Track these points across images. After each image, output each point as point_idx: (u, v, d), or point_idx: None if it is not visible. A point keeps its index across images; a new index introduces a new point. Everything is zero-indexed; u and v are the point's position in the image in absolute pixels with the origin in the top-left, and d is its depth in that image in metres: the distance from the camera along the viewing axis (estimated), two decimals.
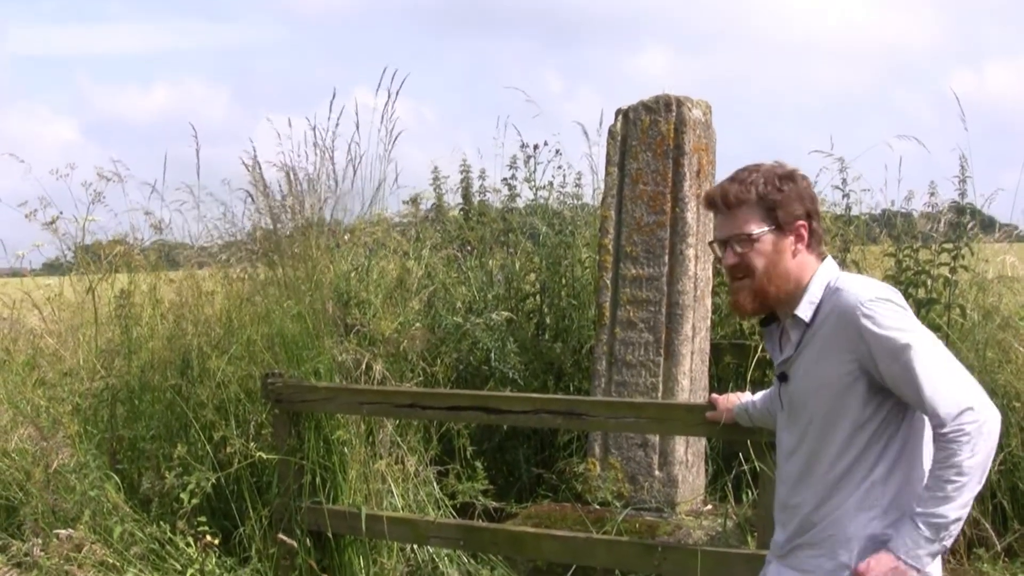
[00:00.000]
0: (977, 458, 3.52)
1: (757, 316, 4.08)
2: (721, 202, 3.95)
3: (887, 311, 3.66)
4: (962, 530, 7.45)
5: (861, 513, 3.77)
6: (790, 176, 3.92)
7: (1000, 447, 7.32)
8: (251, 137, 8.66)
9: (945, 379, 3.60)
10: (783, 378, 3.99)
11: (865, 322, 3.65)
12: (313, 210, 8.73)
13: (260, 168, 8.69)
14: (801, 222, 3.88)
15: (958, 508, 3.54)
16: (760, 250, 3.87)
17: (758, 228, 3.86)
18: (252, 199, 8.77)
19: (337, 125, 8.83)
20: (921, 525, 3.58)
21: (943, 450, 3.56)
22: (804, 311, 3.82)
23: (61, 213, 8.69)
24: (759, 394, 4.95)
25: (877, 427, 3.76)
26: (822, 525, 3.86)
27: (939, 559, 3.72)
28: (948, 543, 3.62)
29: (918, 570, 3.60)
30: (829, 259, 3.97)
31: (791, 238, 3.88)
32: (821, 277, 3.87)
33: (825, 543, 3.85)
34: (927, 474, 3.67)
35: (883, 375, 3.67)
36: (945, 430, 3.55)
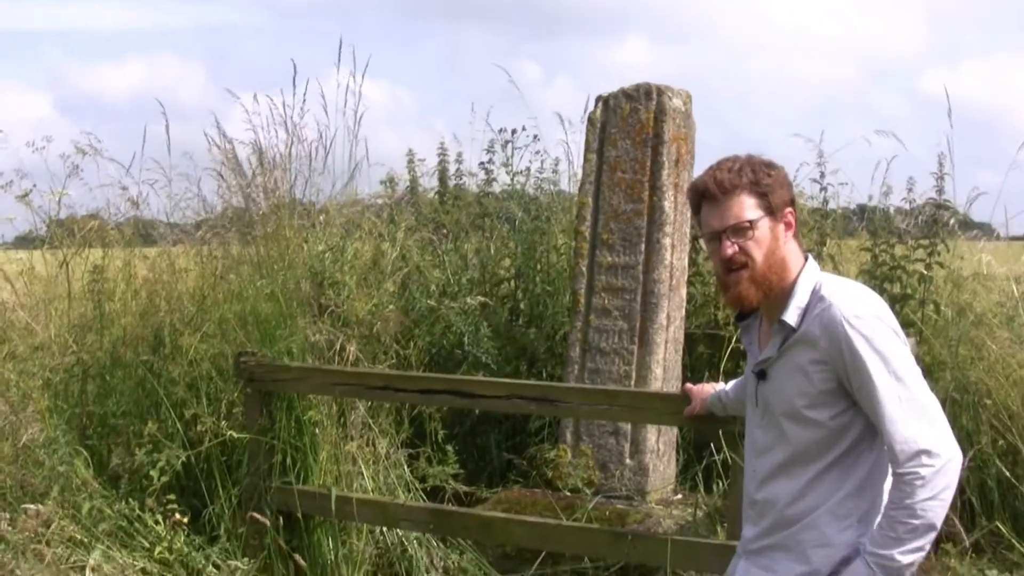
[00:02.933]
0: (931, 502, 3.49)
1: (759, 306, 4.03)
2: (715, 188, 3.86)
3: (870, 331, 3.62)
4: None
5: (836, 520, 3.75)
6: (769, 164, 3.89)
7: (970, 443, 7.37)
8: (215, 113, 8.57)
9: (909, 417, 3.57)
10: (761, 376, 3.95)
11: (848, 338, 3.61)
12: (283, 189, 8.70)
13: (233, 146, 8.65)
14: (789, 208, 3.87)
15: (909, 552, 3.52)
16: (758, 238, 3.80)
17: (755, 214, 3.81)
18: (222, 177, 8.72)
19: (304, 103, 8.80)
20: (873, 566, 3.57)
21: (897, 490, 3.54)
22: (791, 317, 3.76)
23: (35, 186, 8.64)
24: (731, 383, 4.95)
25: (854, 438, 3.74)
26: (794, 528, 3.83)
27: None
28: None
29: None
30: (811, 259, 3.93)
31: (782, 225, 3.84)
32: (807, 279, 3.82)
33: (797, 547, 3.83)
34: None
35: (854, 393, 3.67)
36: (901, 470, 3.54)
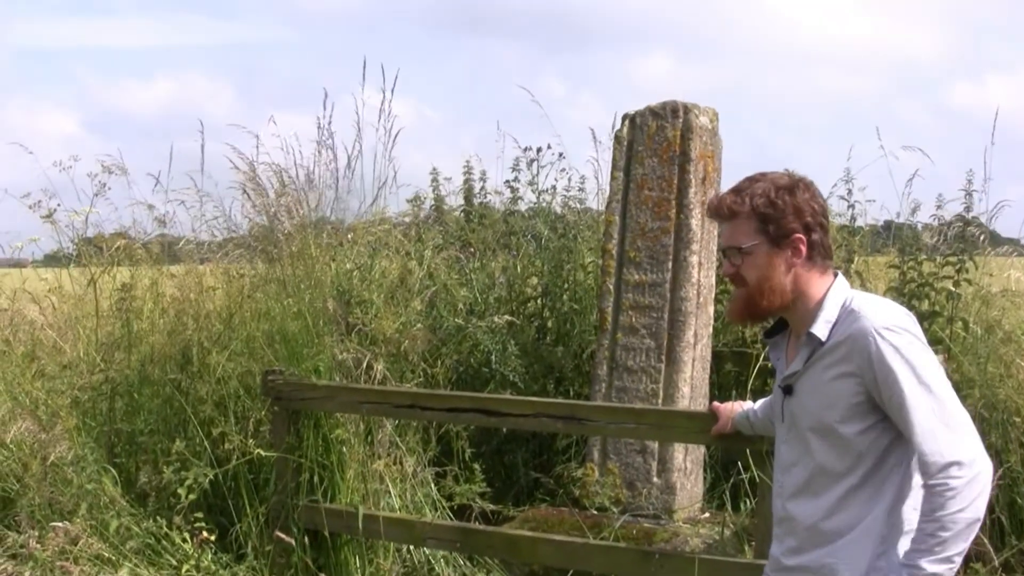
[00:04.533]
0: (963, 514, 3.46)
1: (749, 324, 4.08)
2: (715, 212, 3.94)
3: (900, 342, 3.60)
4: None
5: (868, 543, 3.72)
6: (790, 188, 3.85)
7: (999, 462, 7.33)
8: (241, 131, 8.62)
9: (940, 427, 3.54)
10: (788, 391, 3.94)
11: (876, 350, 3.60)
12: (310, 208, 8.72)
13: (254, 166, 8.67)
14: (798, 235, 3.81)
15: (939, 563, 3.48)
16: (752, 263, 3.83)
17: (749, 241, 3.82)
18: (249, 196, 8.74)
19: (330, 123, 8.84)
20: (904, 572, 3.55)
21: (929, 502, 3.52)
22: (820, 330, 3.75)
23: (60, 204, 8.70)
24: (760, 402, 4.93)
25: (879, 455, 3.72)
26: (825, 549, 3.81)
27: None
28: None
29: None
30: (840, 276, 3.91)
31: (787, 252, 3.82)
32: (836, 295, 3.81)
33: (823, 570, 3.81)
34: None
35: (884, 405, 3.64)
36: (931, 481, 3.51)
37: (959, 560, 3.52)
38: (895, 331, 3.61)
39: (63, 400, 8.15)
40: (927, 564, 3.48)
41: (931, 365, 3.63)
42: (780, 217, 3.81)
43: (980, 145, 8.70)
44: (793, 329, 3.99)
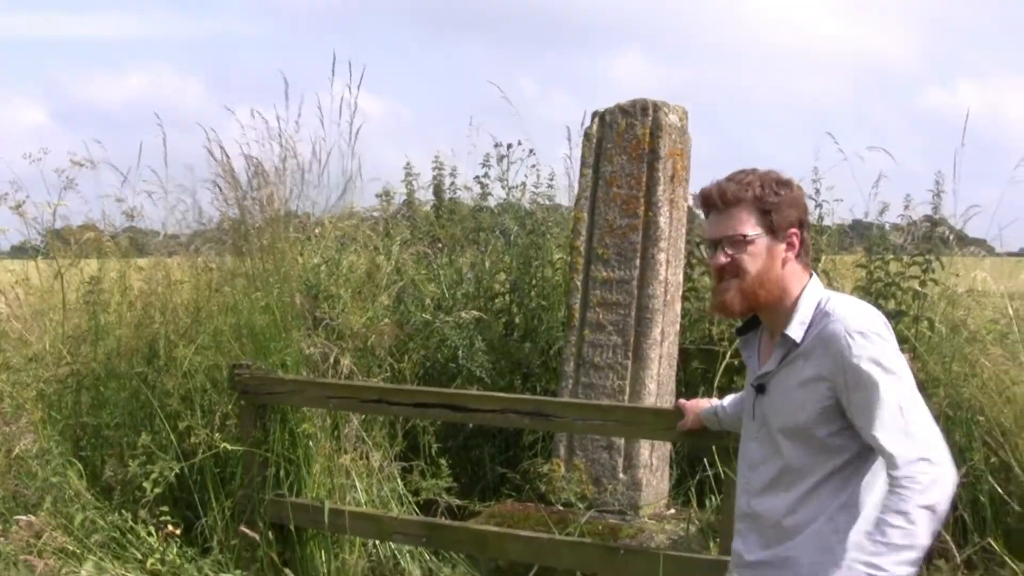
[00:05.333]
0: (926, 512, 3.45)
1: (741, 317, 4.04)
2: (718, 199, 3.88)
3: (871, 344, 3.61)
4: None
5: (831, 533, 3.72)
6: (786, 182, 3.88)
7: (963, 460, 7.38)
8: (212, 126, 8.58)
9: (909, 425, 3.56)
10: (760, 390, 3.94)
11: (847, 351, 3.61)
12: (280, 202, 8.70)
13: (228, 159, 8.65)
14: (794, 229, 3.83)
15: (902, 564, 3.45)
16: (753, 252, 3.80)
17: (752, 230, 3.80)
18: (221, 190, 8.72)
19: (299, 116, 8.84)
20: (863, 572, 3.49)
21: (894, 495, 3.49)
22: (795, 332, 3.76)
23: (28, 196, 8.65)
24: (728, 398, 4.94)
25: (848, 458, 3.73)
26: (788, 544, 3.82)
27: None
28: None
29: None
30: (815, 276, 3.92)
31: (783, 245, 3.82)
32: (811, 295, 3.82)
33: (785, 563, 3.83)
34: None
35: (850, 405, 3.65)
36: (898, 473, 3.50)
37: (919, 559, 3.52)
38: (867, 335, 3.62)
39: (29, 393, 8.11)
40: (891, 565, 3.45)
41: (902, 368, 3.64)
42: (782, 208, 3.82)
43: (949, 147, 8.74)
44: (768, 327, 3.99)
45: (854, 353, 3.60)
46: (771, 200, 3.81)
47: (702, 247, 9.28)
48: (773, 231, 3.82)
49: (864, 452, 3.73)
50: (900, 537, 3.45)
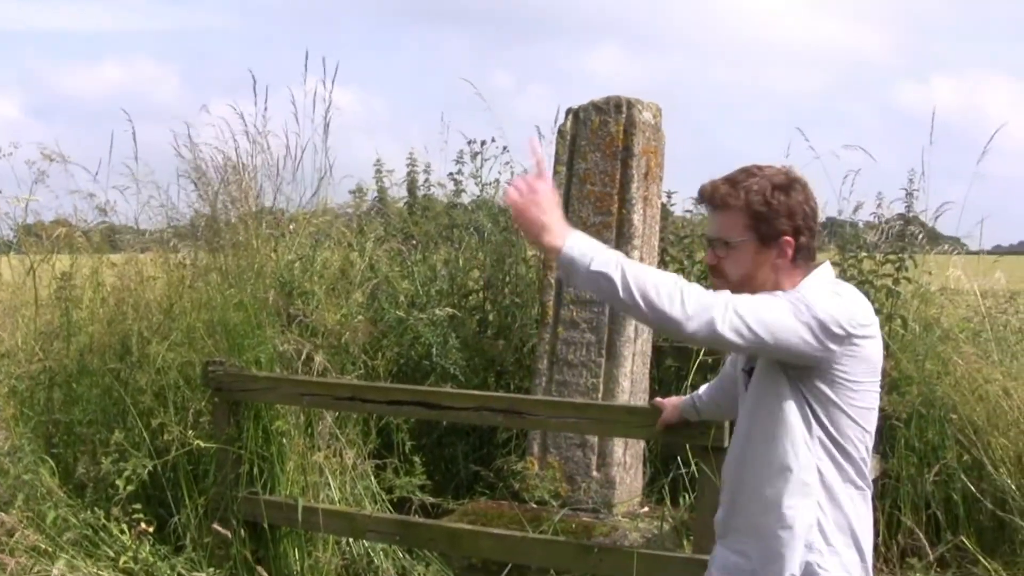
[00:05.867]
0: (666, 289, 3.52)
1: None
2: (708, 200, 3.90)
3: (808, 292, 3.70)
4: (895, 539, 7.57)
5: (794, 499, 3.74)
6: (785, 188, 3.82)
7: (935, 458, 7.43)
8: (184, 120, 8.55)
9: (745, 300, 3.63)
10: (751, 373, 3.95)
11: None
12: (251, 198, 8.68)
13: (196, 155, 8.62)
14: (787, 238, 3.79)
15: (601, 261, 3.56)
16: (737, 258, 3.81)
17: (738, 236, 3.80)
18: (195, 185, 8.69)
19: (266, 110, 8.82)
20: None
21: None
22: None
23: (0, 191, 8.62)
24: (703, 388, 4.96)
25: (806, 417, 3.74)
26: (752, 509, 3.87)
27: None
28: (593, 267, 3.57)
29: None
30: (813, 273, 3.89)
31: (773, 252, 3.80)
32: (807, 283, 3.82)
33: (757, 530, 3.85)
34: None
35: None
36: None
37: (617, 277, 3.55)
38: (809, 289, 3.72)
39: (1, 389, 8.08)
40: (634, 275, 3.54)
41: (815, 301, 3.67)
42: (773, 217, 3.79)
43: (923, 143, 8.79)
44: None
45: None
46: (760, 209, 3.79)
47: (678, 245, 9.32)
48: (763, 237, 3.80)
49: (817, 415, 3.75)
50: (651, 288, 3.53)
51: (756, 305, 3.61)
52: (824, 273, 3.90)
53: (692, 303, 3.50)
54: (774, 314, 3.59)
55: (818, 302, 3.63)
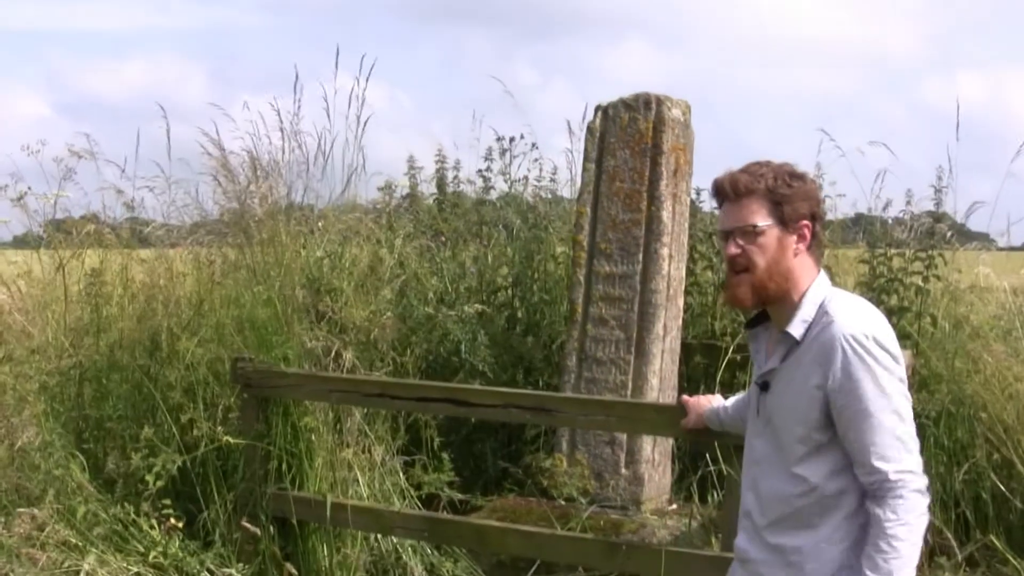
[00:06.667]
0: (913, 527, 3.57)
1: (755, 309, 4.04)
2: (730, 189, 3.89)
3: (866, 350, 3.62)
4: (924, 538, 7.54)
5: (832, 540, 3.75)
6: (800, 175, 3.89)
7: (964, 456, 7.39)
8: (213, 118, 8.54)
9: (891, 440, 3.60)
10: (764, 387, 3.95)
11: (843, 354, 3.62)
12: (280, 194, 8.69)
13: (224, 152, 8.63)
14: (805, 222, 3.83)
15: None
16: (763, 244, 3.81)
17: (763, 221, 3.80)
18: (219, 183, 8.70)
19: (299, 108, 8.82)
20: None
21: (885, 511, 3.58)
22: (796, 329, 3.76)
23: (30, 188, 8.64)
24: (731, 399, 4.94)
25: (842, 457, 3.74)
26: (788, 550, 3.84)
27: None
28: None
29: None
30: (823, 273, 3.92)
31: (794, 236, 3.82)
32: (815, 294, 3.81)
33: (791, 564, 3.84)
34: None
35: (837, 413, 3.67)
36: (887, 484, 3.58)
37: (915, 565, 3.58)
38: (862, 340, 3.63)
39: (31, 385, 8.09)
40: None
41: (894, 376, 3.65)
42: (794, 200, 3.82)
43: (950, 139, 8.75)
44: (775, 322, 3.98)
45: (849, 355, 3.62)
46: (783, 191, 3.82)
47: (708, 241, 9.29)
48: (784, 222, 3.82)
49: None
50: (909, 549, 3.55)
51: (906, 431, 3.66)
52: (825, 283, 3.91)
53: (919, 523, 3.61)
54: (902, 431, 3.65)
55: (895, 385, 3.66)
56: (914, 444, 3.64)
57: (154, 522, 7.27)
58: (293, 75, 8.78)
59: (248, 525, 7.19)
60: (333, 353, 7.88)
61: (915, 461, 3.61)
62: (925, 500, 3.59)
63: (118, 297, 8.75)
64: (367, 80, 9.07)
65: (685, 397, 5.43)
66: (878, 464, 3.56)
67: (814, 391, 3.71)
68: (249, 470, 7.41)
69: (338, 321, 8.13)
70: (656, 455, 7.96)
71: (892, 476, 3.55)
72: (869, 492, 3.63)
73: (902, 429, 3.62)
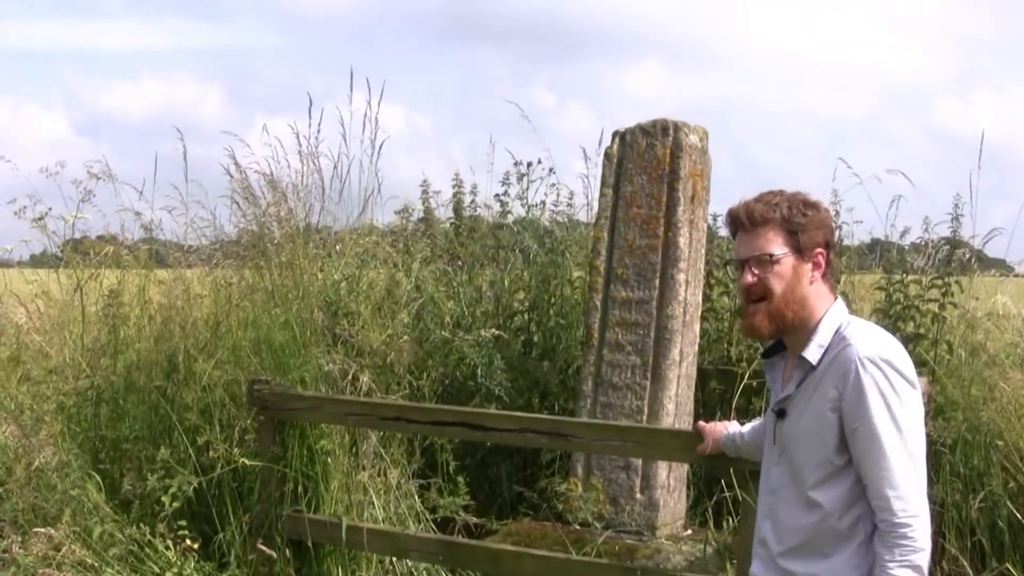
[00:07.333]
0: (924, 555, 3.59)
1: (772, 339, 4.06)
2: (745, 218, 3.92)
3: (882, 376, 3.64)
4: (939, 566, 7.52)
5: (850, 568, 3.75)
6: (814, 204, 3.92)
7: (981, 484, 7.37)
8: (230, 141, 8.56)
9: (905, 472, 3.62)
10: (781, 414, 3.97)
11: (856, 379, 3.64)
12: (298, 217, 8.71)
13: (245, 174, 8.65)
14: (820, 250, 3.87)
15: None
16: (779, 272, 3.84)
17: (779, 250, 3.83)
18: (238, 205, 8.72)
19: (319, 131, 8.82)
20: None
21: (895, 546, 3.60)
22: (812, 354, 3.78)
23: (50, 209, 8.67)
24: (747, 426, 4.96)
25: (856, 484, 3.76)
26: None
27: None
28: None
29: None
30: (840, 300, 3.95)
31: (809, 264, 3.86)
32: (831, 320, 3.84)
33: None
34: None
35: (849, 435, 3.70)
36: (895, 524, 3.60)
37: None
38: (879, 363, 3.64)
39: (48, 405, 8.14)
40: None
41: (908, 405, 3.66)
42: (809, 229, 3.85)
43: (967, 164, 8.75)
44: (791, 349, 4.00)
45: (862, 380, 3.63)
46: (798, 220, 3.85)
47: (724, 268, 9.30)
48: (800, 251, 3.85)
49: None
50: None
51: (917, 462, 3.68)
52: (842, 309, 3.94)
53: (921, 561, 3.62)
54: (911, 473, 3.66)
55: (908, 420, 3.67)
56: (922, 479, 3.66)
57: (170, 543, 7.28)
58: (305, 97, 8.80)
59: (263, 547, 7.20)
60: (350, 376, 7.89)
61: (923, 504, 3.62)
62: (928, 535, 3.60)
63: (136, 318, 8.78)
64: (379, 103, 9.10)
65: (701, 423, 5.44)
66: (890, 503, 3.60)
67: (829, 412, 3.73)
68: (265, 492, 7.42)
69: (355, 344, 8.14)
70: (671, 480, 7.95)
71: (899, 519, 3.58)
72: (877, 528, 3.65)
73: (913, 464, 3.63)
